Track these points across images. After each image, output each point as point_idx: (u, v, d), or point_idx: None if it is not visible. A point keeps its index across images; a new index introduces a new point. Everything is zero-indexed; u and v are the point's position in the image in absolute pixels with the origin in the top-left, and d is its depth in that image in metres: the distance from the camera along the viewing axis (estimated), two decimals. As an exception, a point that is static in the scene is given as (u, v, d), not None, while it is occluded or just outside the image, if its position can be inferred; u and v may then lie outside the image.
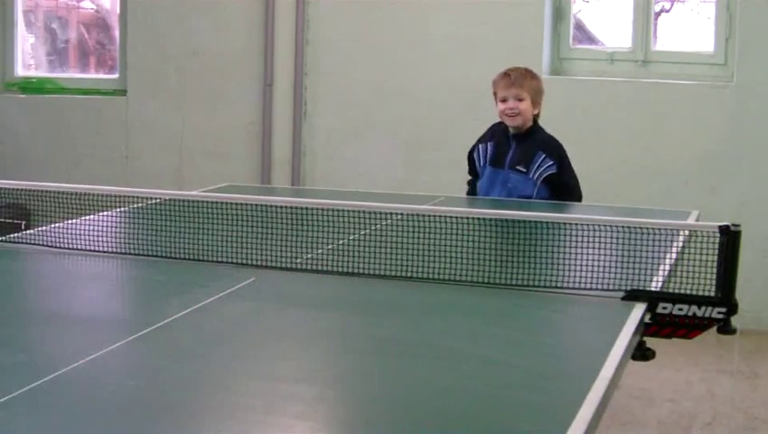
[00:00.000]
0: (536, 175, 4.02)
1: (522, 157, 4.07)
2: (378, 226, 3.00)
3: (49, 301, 2.45)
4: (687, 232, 2.87)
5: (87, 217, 3.04)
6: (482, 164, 4.19)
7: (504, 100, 4.10)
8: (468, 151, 4.30)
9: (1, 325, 2.16)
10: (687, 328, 2.43)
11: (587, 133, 5.54)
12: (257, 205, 2.94)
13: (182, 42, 6.16)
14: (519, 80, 4.10)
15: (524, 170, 4.04)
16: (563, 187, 4.07)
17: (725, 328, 2.44)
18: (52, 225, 3.02)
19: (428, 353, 2.03)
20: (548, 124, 5.56)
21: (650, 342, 2.47)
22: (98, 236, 2.90)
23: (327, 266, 2.70)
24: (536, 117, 4.15)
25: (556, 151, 4.07)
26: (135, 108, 6.30)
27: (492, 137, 4.20)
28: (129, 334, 2.06)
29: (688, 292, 2.48)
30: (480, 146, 4.23)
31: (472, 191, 4.31)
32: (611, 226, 2.64)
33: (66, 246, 2.89)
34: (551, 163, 4.03)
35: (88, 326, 2.21)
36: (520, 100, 4.07)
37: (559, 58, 5.73)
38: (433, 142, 5.76)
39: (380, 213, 3.07)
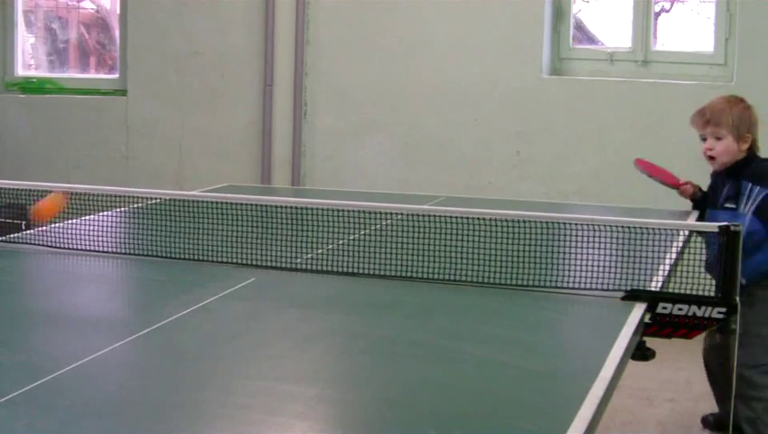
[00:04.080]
0: (747, 209, 3.54)
1: (731, 193, 3.62)
2: (378, 226, 3.00)
3: (49, 301, 2.45)
4: (687, 232, 2.87)
5: (87, 217, 3.04)
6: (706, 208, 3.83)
7: (704, 140, 3.68)
8: None
9: (1, 325, 2.16)
10: (687, 328, 2.43)
11: (587, 133, 5.54)
12: (257, 205, 2.94)
13: (182, 42, 6.16)
14: (716, 115, 3.65)
15: (733, 206, 3.58)
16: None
17: (726, 328, 2.44)
18: (52, 225, 3.02)
19: (428, 353, 2.03)
20: (549, 123, 5.59)
21: (650, 342, 2.47)
22: (98, 236, 2.90)
23: (327, 266, 2.70)
24: (752, 147, 3.66)
25: (766, 176, 3.58)
26: (135, 108, 6.30)
27: (712, 178, 3.81)
28: (129, 334, 2.06)
29: (688, 292, 2.48)
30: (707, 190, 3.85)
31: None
32: (611, 226, 2.64)
33: (66, 246, 2.89)
34: (759, 188, 3.54)
35: (89, 326, 2.21)
36: (718, 139, 3.63)
37: (559, 58, 5.73)
38: (433, 142, 5.76)
39: (380, 213, 3.08)
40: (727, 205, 3.61)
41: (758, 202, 3.52)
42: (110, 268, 2.84)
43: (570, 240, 2.79)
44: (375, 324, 2.28)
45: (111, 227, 3.17)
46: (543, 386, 1.86)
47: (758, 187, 3.54)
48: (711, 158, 3.67)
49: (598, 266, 2.53)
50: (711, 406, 3.97)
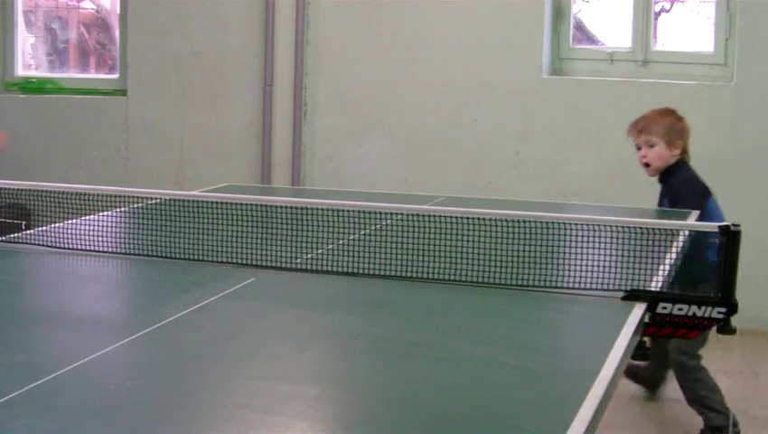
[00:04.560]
0: None
1: (663, 202, 4.01)
2: (378, 226, 3.00)
3: (49, 301, 2.45)
4: (687, 232, 2.87)
5: (87, 217, 3.04)
6: None
7: (639, 149, 3.99)
8: None
9: (1, 325, 2.16)
10: (687, 328, 2.43)
11: (587, 133, 5.54)
12: (257, 205, 2.94)
13: (182, 42, 6.17)
14: (648, 124, 3.96)
15: None
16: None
17: (725, 328, 2.45)
18: (52, 225, 3.02)
19: (428, 353, 2.03)
20: (549, 123, 5.59)
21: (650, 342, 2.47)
22: (98, 236, 2.90)
23: (327, 266, 2.70)
24: (683, 155, 3.99)
25: (676, 189, 3.95)
26: (135, 108, 6.30)
27: None
28: (129, 334, 2.06)
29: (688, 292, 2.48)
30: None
31: None
32: (611, 226, 2.64)
33: (66, 246, 2.89)
34: (668, 200, 3.96)
35: (89, 326, 2.21)
36: (651, 146, 3.94)
37: (559, 58, 5.73)
38: (433, 142, 5.76)
39: (380, 213, 3.07)
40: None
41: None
42: (110, 268, 2.84)
43: (570, 240, 2.79)
44: (375, 324, 2.28)
45: (111, 227, 3.17)
46: (543, 386, 1.86)
47: (668, 197, 3.95)
48: (646, 165, 3.98)
49: (598, 266, 2.53)
50: (711, 406, 3.97)
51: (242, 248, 2.76)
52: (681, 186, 3.93)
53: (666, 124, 3.94)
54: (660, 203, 4.04)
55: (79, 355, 1.88)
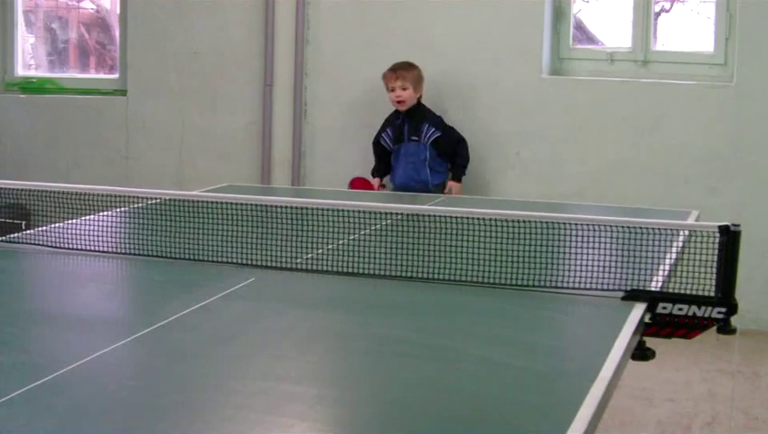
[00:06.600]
0: (425, 140, 5.32)
1: (414, 130, 5.34)
2: (378, 226, 3.00)
3: (49, 301, 2.45)
4: (687, 232, 2.87)
5: (87, 217, 3.04)
6: (390, 146, 5.44)
7: (393, 90, 5.34)
8: (374, 143, 5.52)
9: (1, 325, 2.16)
10: (687, 328, 2.43)
11: (587, 133, 5.54)
12: (257, 205, 2.94)
13: (182, 42, 6.17)
14: (403, 72, 5.32)
15: (417, 138, 5.34)
16: (450, 142, 5.37)
17: (725, 328, 2.44)
18: (52, 225, 3.02)
19: (428, 353, 2.03)
20: (549, 123, 5.60)
21: (650, 342, 2.48)
22: (98, 236, 2.90)
23: (327, 266, 2.70)
24: (420, 99, 5.37)
25: (437, 121, 5.38)
26: (135, 108, 6.30)
27: (389, 124, 5.44)
28: (129, 334, 2.07)
29: (688, 292, 2.48)
30: (383, 134, 5.46)
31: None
32: (611, 226, 2.64)
33: (66, 246, 2.89)
34: (434, 129, 5.33)
35: (89, 326, 2.21)
36: (405, 89, 5.31)
37: (559, 58, 5.73)
38: (433, 142, 5.75)
39: (380, 213, 3.07)
40: (413, 138, 5.34)
41: (434, 137, 5.32)
42: (110, 268, 2.84)
43: (570, 240, 2.79)
44: (375, 324, 2.28)
45: (111, 227, 3.17)
46: (543, 386, 1.86)
47: (433, 128, 5.32)
48: (400, 102, 5.34)
49: (598, 266, 2.52)
50: (711, 406, 3.97)
51: (242, 248, 2.76)
52: (442, 123, 5.39)
53: (415, 74, 5.34)
54: (402, 136, 5.37)
55: (79, 355, 1.88)
